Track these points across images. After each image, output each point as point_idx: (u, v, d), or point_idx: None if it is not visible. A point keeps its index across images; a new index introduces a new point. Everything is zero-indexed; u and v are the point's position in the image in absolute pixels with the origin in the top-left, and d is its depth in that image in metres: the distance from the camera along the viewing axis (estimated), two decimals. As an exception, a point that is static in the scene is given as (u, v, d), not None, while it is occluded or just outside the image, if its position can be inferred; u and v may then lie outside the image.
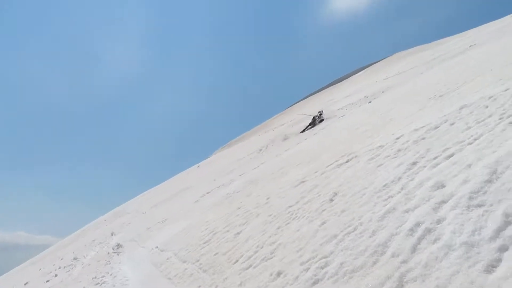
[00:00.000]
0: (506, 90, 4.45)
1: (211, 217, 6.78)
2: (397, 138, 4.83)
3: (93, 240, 14.49)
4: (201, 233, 5.94)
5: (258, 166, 10.84)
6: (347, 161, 5.10)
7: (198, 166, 30.55)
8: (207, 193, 11.06)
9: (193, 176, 22.31)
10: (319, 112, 17.17)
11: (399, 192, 3.30)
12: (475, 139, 3.58)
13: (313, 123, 16.44)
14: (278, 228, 4.22)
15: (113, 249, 9.42)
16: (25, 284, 11.65)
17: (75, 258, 11.37)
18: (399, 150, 4.35)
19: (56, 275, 10.08)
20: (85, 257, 10.63)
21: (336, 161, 5.39)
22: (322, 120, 16.26)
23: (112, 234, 12.98)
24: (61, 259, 13.69)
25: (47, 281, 9.84)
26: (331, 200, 4.03)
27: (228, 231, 5.27)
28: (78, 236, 21.76)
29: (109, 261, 8.13)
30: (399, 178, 3.56)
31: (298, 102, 62.98)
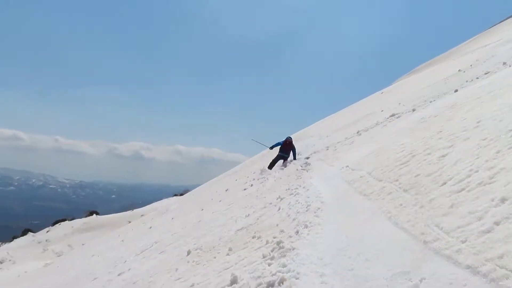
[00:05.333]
0: None
1: (405, 140, 6.49)
2: None
3: (280, 159, 15.86)
4: (397, 155, 5.78)
5: (457, 91, 9.69)
6: None
7: (381, 93, 29.18)
8: (397, 118, 10.60)
9: (376, 103, 21.57)
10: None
11: None
12: None
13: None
14: (498, 152, 3.73)
15: (301, 166, 10.17)
16: (226, 190, 13.77)
17: (267, 172, 12.71)
18: None
19: (251, 185, 11.53)
20: (277, 172, 11.77)
21: None
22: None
23: (298, 154, 13.92)
24: (253, 173, 15.51)
25: (244, 189, 11.37)
26: None
27: (429, 154, 4.97)
28: (265, 155, 24.21)
29: (300, 176, 8.81)
30: None
31: (502, 21, 51.21)
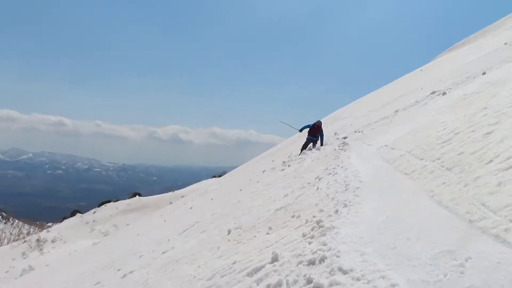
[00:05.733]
0: None
1: (447, 117, 6.28)
2: None
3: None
4: (438, 133, 5.61)
5: (502, 66, 9.20)
6: None
7: (420, 70, 28.09)
8: (437, 95, 10.20)
9: (415, 80, 20.82)
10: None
11: None
12: None
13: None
14: (550, 128, 3.57)
15: (338, 146, 10.07)
16: (263, 172, 13.88)
17: (303, 153, 12.71)
18: None
19: (289, 165, 11.55)
20: (313, 152, 11.75)
21: None
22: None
23: (335, 134, 13.79)
24: (289, 155, 15.52)
25: (282, 169, 11.41)
26: None
27: (473, 131, 4.80)
28: (301, 137, 24.11)
29: (338, 156, 8.73)
30: None
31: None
